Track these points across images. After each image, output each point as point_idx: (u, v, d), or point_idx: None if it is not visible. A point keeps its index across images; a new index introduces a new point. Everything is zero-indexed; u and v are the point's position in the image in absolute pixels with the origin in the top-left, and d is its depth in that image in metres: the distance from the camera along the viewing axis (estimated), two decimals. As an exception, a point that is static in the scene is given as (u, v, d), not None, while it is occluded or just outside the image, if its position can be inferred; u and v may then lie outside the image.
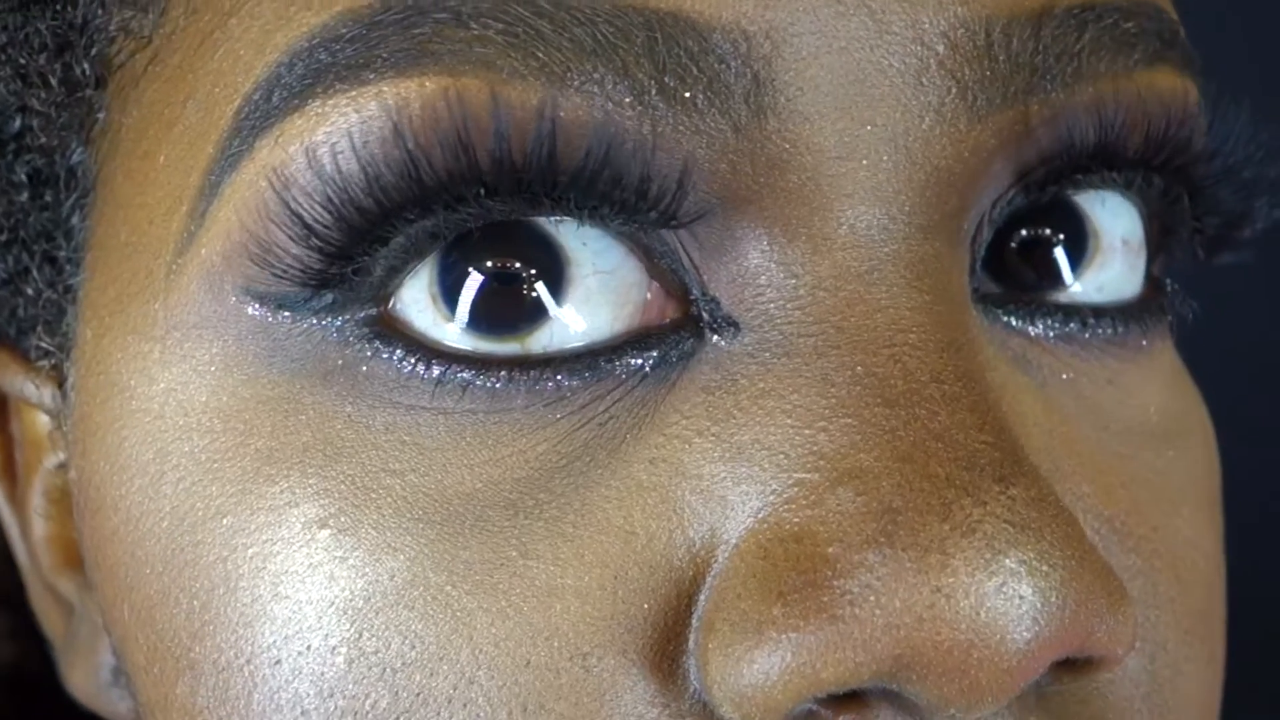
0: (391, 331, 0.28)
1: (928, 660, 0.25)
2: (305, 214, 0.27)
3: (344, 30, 0.27)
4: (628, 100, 0.27)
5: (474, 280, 0.28)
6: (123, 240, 0.30)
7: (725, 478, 0.27)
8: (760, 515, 0.27)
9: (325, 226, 0.27)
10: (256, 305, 0.28)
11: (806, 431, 0.27)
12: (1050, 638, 0.25)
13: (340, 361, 0.28)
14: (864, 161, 0.28)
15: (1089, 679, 0.29)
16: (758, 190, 0.28)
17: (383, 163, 0.26)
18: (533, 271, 0.28)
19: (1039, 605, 0.25)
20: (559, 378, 0.27)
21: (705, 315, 0.28)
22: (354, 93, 0.26)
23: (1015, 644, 0.25)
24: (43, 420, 0.35)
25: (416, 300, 0.28)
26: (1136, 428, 0.32)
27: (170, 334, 0.29)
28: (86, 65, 0.30)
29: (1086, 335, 0.31)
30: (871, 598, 0.25)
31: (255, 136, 0.27)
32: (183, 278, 0.28)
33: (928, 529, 0.25)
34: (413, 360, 0.27)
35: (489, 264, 0.28)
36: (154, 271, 0.29)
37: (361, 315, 0.28)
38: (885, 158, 0.28)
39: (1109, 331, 0.31)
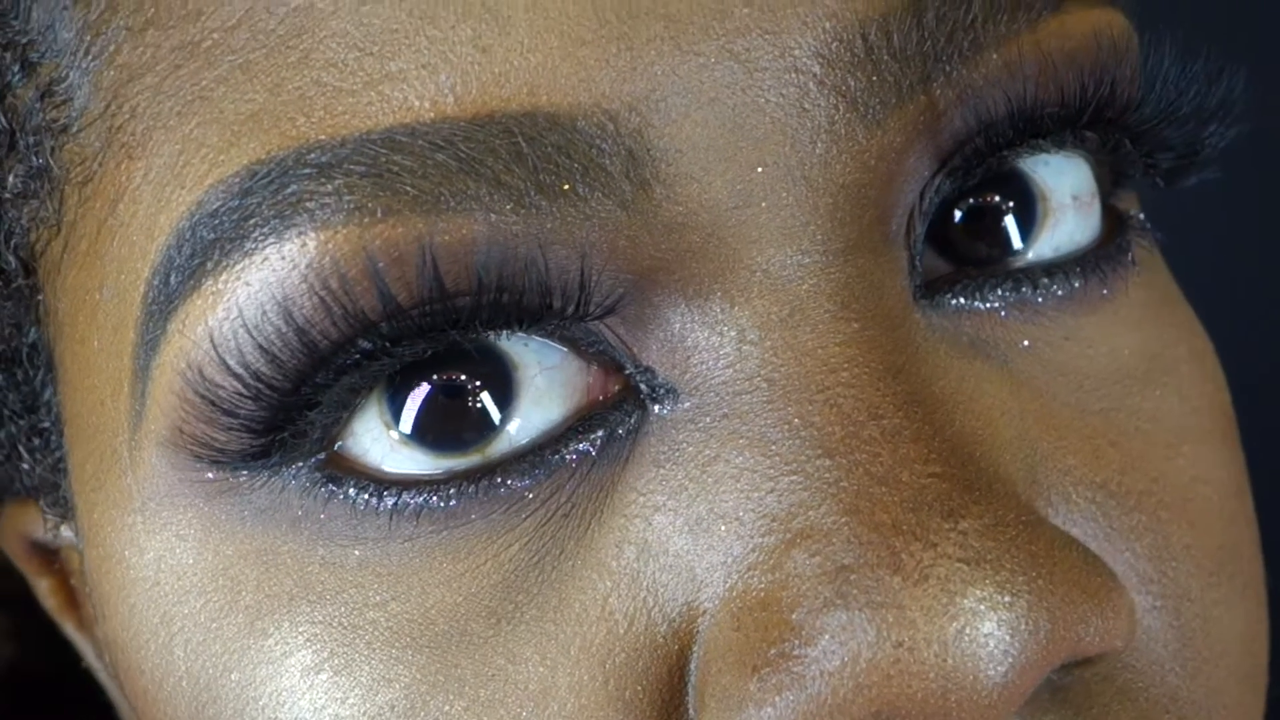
0: (342, 470, 0.28)
1: (905, 712, 0.25)
2: (224, 402, 0.27)
3: (218, 204, 0.27)
4: (509, 207, 0.26)
5: (423, 403, 0.28)
6: (85, 419, 0.31)
7: (689, 551, 0.27)
8: (729, 584, 0.27)
9: (246, 409, 0.27)
10: (213, 470, 0.29)
11: (755, 495, 0.27)
12: (1029, 663, 0.25)
13: (301, 510, 0.28)
14: (763, 204, 0.27)
15: (1102, 663, 0.29)
16: (663, 258, 0.27)
17: (279, 342, 0.26)
18: (477, 383, 0.28)
19: (1008, 638, 0.25)
20: (510, 482, 0.28)
21: (644, 387, 0.28)
22: (240, 266, 0.27)
23: (990, 680, 0.25)
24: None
25: (370, 429, 0.28)
26: (1114, 377, 0.31)
27: (147, 505, 0.30)
28: (11, 257, 0.31)
29: (1040, 299, 0.30)
30: (837, 662, 0.25)
31: (165, 320, 0.28)
32: (142, 452, 0.29)
33: (881, 584, 0.25)
34: (365, 496, 0.28)
35: (435, 378, 0.28)
36: (117, 449, 0.30)
37: (312, 461, 0.28)
38: (785, 194, 0.27)
39: (1064, 289, 0.30)
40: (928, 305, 0.29)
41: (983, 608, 0.25)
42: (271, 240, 0.26)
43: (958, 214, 0.30)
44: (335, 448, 0.28)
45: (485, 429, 0.28)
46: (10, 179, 0.30)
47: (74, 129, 0.29)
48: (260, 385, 0.27)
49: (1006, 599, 0.25)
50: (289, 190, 0.26)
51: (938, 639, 0.25)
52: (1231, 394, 0.33)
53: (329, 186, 0.26)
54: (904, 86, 0.28)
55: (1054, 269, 0.30)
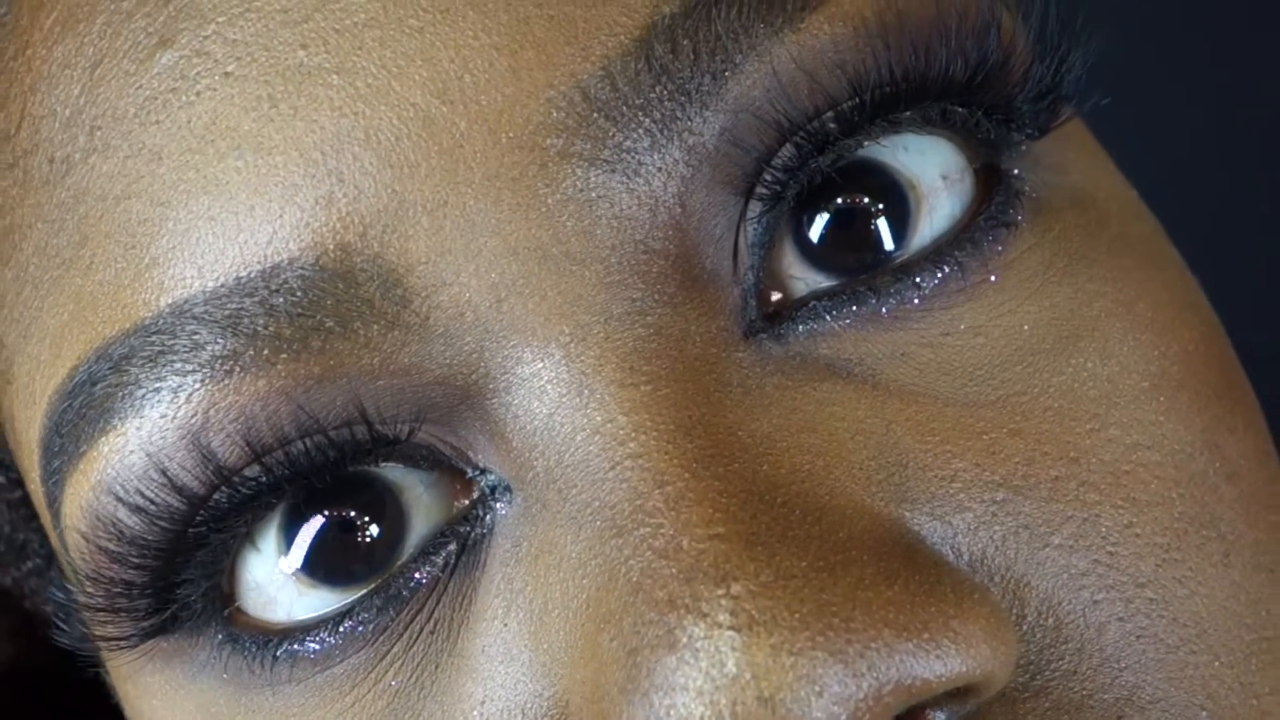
0: (239, 626, 0.29)
1: None
2: (98, 604, 0.29)
3: (58, 415, 0.29)
4: (283, 358, 0.27)
5: (315, 543, 0.29)
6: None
7: (539, 647, 0.27)
8: (571, 675, 0.26)
9: (121, 604, 0.29)
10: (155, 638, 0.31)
11: (573, 583, 0.26)
12: None
13: (222, 662, 0.30)
14: (525, 291, 0.27)
15: (1037, 677, 0.26)
16: (451, 364, 0.27)
17: (114, 546, 0.28)
18: (366, 518, 0.29)
19: (791, 706, 0.23)
20: (365, 615, 0.28)
21: (486, 488, 0.28)
22: (78, 472, 0.29)
23: None
24: None
25: (273, 579, 0.29)
26: (1014, 358, 0.28)
27: (133, 674, 0.32)
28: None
29: (885, 311, 0.28)
30: None
31: (60, 521, 0.30)
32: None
33: (661, 666, 0.24)
34: (255, 648, 0.29)
35: (327, 514, 0.29)
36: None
37: (219, 619, 0.30)
38: (545, 276, 0.27)
39: (917, 294, 0.28)
40: (768, 337, 0.28)
41: (748, 676, 0.23)
42: (99, 438, 0.28)
43: (818, 227, 0.29)
44: (235, 604, 0.30)
45: (387, 556, 0.29)
46: None
47: None
48: (117, 587, 0.28)
49: (786, 661, 0.23)
50: (96, 390, 0.28)
51: (712, 717, 0.24)
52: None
53: (125, 379, 0.28)
54: (656, 130, 0.27)
55: (903, 272, 0.28)
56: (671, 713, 0.24)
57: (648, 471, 0.26)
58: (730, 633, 0.24)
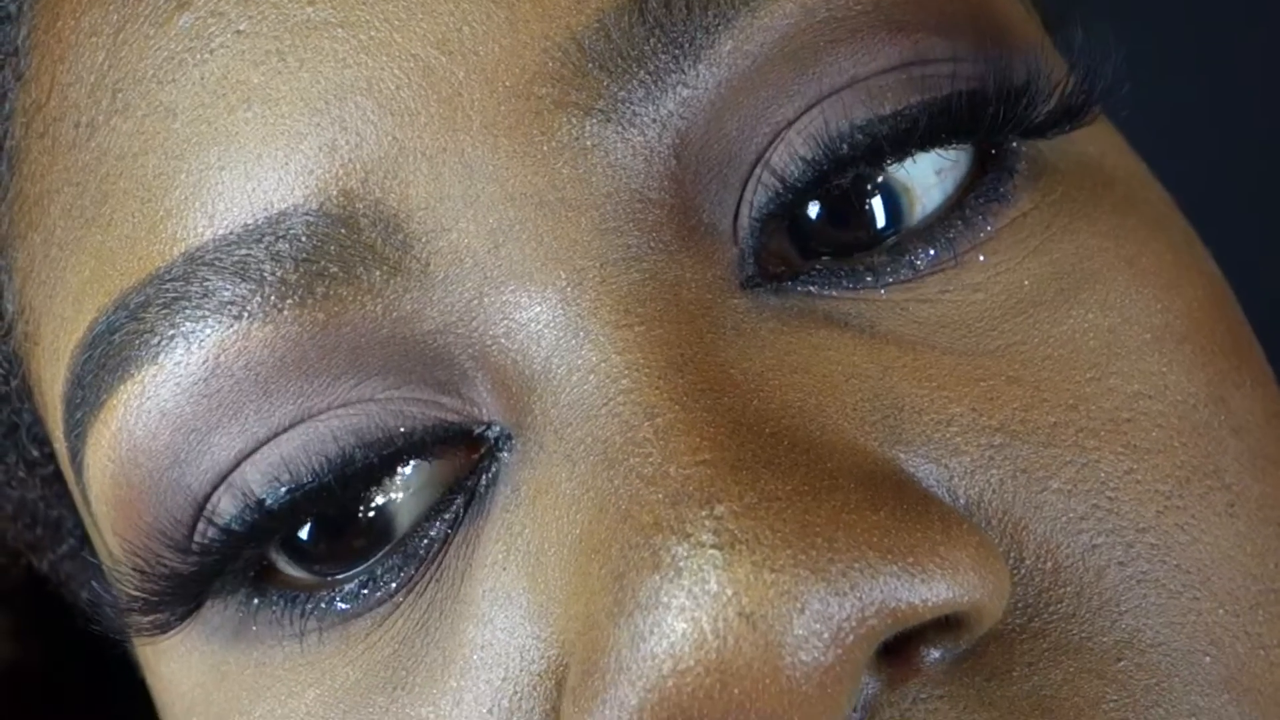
0: (271, 583, 0.30)
1: (700, 711, 0.24)
2: (142, 594, 0.30)
3: (79, 367, 0.30)
4: (288, 302, 0.28)
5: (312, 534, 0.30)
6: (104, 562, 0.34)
7: (536, 589, 0.27)
8: (565, 611, 0.27)
9: (159, 590, 0.30)
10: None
11: (566, 519, 0.27)
12: (814, 641, 0.23)
13: (239, 622, 0.30)
14: (523, 236, 0.27)
15: (1036, 618, 0.26)
16: (452, 310, 0.28)
17: (129, 520, 0.29)
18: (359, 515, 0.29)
19: (769, 620, 0.23)
20: (388, 576, 0.29)
21: (491, 438, 0.28)
22: (99, 422, 0.29)
23: (769, 666, 0.23)
24: None
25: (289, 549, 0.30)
26: (1014, 310, 0.28)
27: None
28: (33, 449, 0.35)
29: (881, 292, 0.28)
30: (622, 675, 0.24)
31: (81, 477, 0.31)
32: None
33: (646, 586, 0.24)
34: (285, 603, 0.30)
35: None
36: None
37: (247, 578, 0.30)
38: (541, 222, 0.27)
39: (909, 270, 0.28)
40: (766, 290, 0.28)
41: (729, 593, 0.23)
42: (119, 386, 0.29)
43: (814, 208, 0.29)
44: (264, 563, 0.30)
45: (383, 531, 0.29)
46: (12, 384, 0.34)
47: (13, 333, 0.33)
48: (153, 586, 0.29)
49: (767, 577, 0.23)
50: (115, 339, 0.29)
51: (695, 633, 0.24)
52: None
53: (142, 326, 0.29)
54: (650, 81, 0.27)
55: (897, 251, 0.28)
56: (655, 630, 0.24)
57: (639, 405, 0.26)
58: (713, 551, 0.24)
